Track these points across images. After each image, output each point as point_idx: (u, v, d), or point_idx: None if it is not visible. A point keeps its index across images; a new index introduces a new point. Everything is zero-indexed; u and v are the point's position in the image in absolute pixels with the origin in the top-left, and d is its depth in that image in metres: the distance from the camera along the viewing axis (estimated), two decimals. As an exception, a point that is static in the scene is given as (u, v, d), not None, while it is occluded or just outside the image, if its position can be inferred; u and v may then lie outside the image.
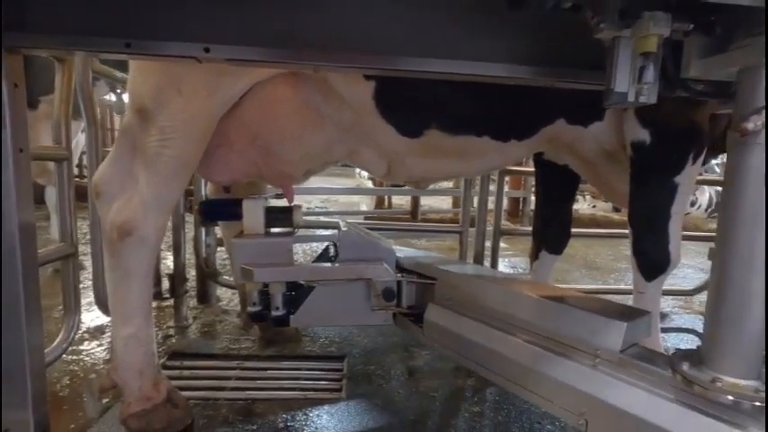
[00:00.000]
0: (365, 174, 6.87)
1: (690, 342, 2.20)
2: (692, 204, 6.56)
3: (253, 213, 1.53)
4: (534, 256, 2.04)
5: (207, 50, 0.97)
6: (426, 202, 6.76)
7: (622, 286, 3.33)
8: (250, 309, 1.51)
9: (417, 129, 1.48)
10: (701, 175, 2.98)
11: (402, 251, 1.64)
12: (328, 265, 1.52)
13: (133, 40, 0.96)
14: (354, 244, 1.51)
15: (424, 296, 1.49)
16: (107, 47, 0.98)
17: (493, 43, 1.02)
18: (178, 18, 0.97)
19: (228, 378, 1.77)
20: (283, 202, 1.70)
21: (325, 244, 1.81)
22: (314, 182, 2.22)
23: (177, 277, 2.53)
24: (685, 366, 0.88)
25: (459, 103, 1.43)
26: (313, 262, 1.59)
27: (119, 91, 2.50)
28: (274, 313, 1.49)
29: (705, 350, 0.87)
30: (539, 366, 1.07)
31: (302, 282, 1.50)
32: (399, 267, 1.53)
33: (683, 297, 3.09)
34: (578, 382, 0.99)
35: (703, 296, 3.09)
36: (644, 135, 1.40)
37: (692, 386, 0.85)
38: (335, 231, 1.62)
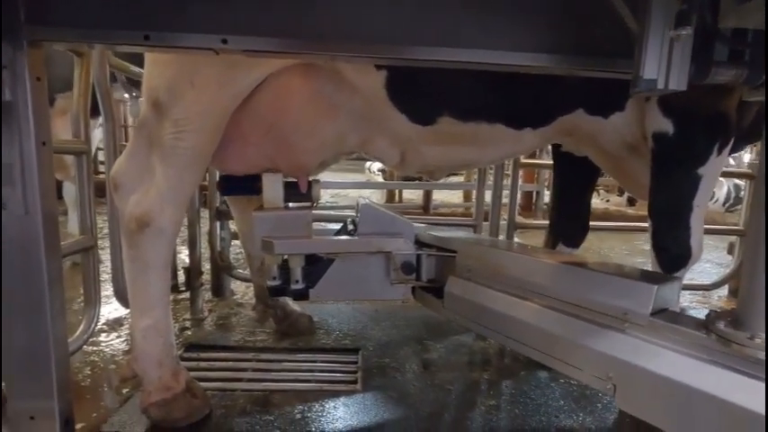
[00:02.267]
0: (375, 168, 6.85)
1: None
2: (710, 198, 6.42)
3: (272, 187, 1.54)
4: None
5: (224, 42, 0.97)
6: (437, 196, 6.73)
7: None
8: (270, 283, 1.52)
9: (430, 116, 1.47)
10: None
11: (420, 227, 1.62)
12: (348, 237, 1.51)
13: (152, 32, 0.96)
14: (374, 218, 1.49)
15: (443, 269, 1.47)
16: (126, 39, 0.98)
17: (511, 32, 1.00)
18: (196, 10, 0.97)
19: (245, 370, 1.79)
20: None
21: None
22: (324, 177, 2.21)
23: (193, 271, 2.56)
24: (721, 325, 0.86)
25: (472, 90, 1.41)
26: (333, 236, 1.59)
27: (134, 94, 2.53)
28: (294, 287, 1.48)
29: (741, 310, 0.86)
30: (566, 333, 1.04)
31: (322, 255, 1.49)
32: (418, 241, 1.51)
33: (702, 292, 3.03)
34: (606, 347, 0.96)
35: (722, 291, 3.03)
36: (666, 125, 1.36)
37: (729, 345, 0.83)
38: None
